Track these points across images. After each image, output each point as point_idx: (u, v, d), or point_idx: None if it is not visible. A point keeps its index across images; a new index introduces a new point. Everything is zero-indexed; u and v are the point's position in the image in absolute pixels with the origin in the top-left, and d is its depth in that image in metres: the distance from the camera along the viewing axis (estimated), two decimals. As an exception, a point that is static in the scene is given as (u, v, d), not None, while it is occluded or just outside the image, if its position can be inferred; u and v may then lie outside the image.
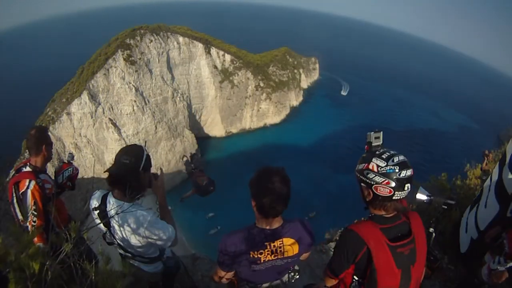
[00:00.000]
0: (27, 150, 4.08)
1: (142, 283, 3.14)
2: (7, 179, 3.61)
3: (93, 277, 1.75)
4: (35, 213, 3.41)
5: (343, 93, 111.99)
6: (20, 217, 3.48)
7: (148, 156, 2.82)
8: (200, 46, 72.22)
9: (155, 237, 2.72)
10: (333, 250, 6.13)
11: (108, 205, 2.77)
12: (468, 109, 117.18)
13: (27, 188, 3.45)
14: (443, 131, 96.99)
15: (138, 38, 61.51)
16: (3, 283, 1.63)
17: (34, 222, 3.40)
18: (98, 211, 2.78)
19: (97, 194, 2.87)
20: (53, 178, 4.12)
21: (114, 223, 2.73)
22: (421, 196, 2.75)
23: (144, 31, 63.45)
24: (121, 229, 2.72)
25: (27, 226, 3.44)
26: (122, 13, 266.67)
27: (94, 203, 2.82)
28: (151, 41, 63.15)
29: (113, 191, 2.81)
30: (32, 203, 3.41)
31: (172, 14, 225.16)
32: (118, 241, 2.83)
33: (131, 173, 2.66)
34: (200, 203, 51.93)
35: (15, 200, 3.50)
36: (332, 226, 7.88)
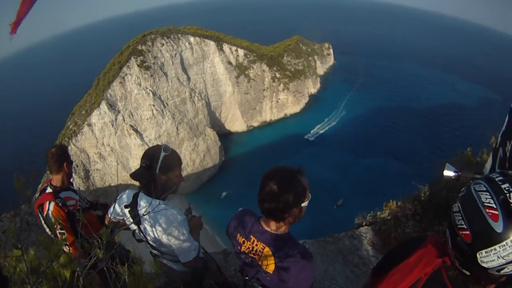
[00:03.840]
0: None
1: (176, 282, 3.30)
2: (35, 196, 3.98)
3: (126, 279, 1.76)
4: (62, 231, 3.49)
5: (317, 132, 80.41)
6: (51, 235, 3.29)
7: (167, 157, 2.74)
8: (212, 44, 71.74)
9: (182, 238, 2.73)
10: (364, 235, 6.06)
11: (139, 202, 2.79)
12: (485, 79, 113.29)
13: (48, 210, 3.56)
14: (463, 105, 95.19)
15: (150, 43, 61.55)
16: (3, 283, 1.65)
17: (65, 240, 3.47)
18: (129, 209, 2.80)
19: (127, 192, 2.94)
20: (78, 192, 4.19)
21: (146, 223, 2.75)
22: (448, 173, 2.51)
23: (155, 35, 63.37)
24: (153, 229, 2.73)
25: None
26: (127, 22, 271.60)
27: (124, 201, 2.88)
28: (163, 44, 63.08)
29: (143, 190, 2.83)
30: (57, 223, 3.47)
31: (176, 17, 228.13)
32: (150, 240, 2.84)
33: (148, 175, 2.71)
34: (230, 204, 51.76)
35: (42, 222, 3.57)
36: (361, 210, 7.46)
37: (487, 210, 1.21)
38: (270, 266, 2.27)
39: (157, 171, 2.70)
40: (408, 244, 1.81)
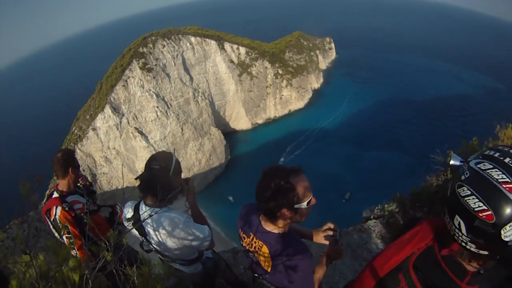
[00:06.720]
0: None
1: (186, 283, 3.29)
2: (43, 202, 3.95)
3: (135, 280, 1.78)
4: (69, 235, 3.52)
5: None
6: (60, 240, 3.50)
7: (177, 161, 2.87)
8: (213, 43, 71.64)
9: (191, 238, 2.73)
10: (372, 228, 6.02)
11: (140, 212, 2.78)
12: (489, 69, 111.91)
13: (55, 215, 3.58)
14: (468, 95, 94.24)
15: (151, 45, 61.53)
16: (3, 283, 1.66)
17: (73, 244, 3.51)
18: (132, 222, 2.79)
19: (129, 204, 2.94)
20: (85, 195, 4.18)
21: (149, 228, 2.74)
22: (455, 163, 2.15)
23: (155, 37, 63.40)
24: (156, 233, 2.72)
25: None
26: (127, 25, 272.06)
27: (128, 213, 2.87)
28: (164, 46, 63.07)
29: (145, 199, 2.82)
30: (64, 228, 3.51)
31: (176, 18, 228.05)
32: (155, 246, 2.83)
33: (162, 177, 2.68)
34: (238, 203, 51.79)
35: (51, 227, 3.62)
36: (368, 204, 7.49)
37: (504, 186, 1.24)
38: (267, 264, 2.26)
39: (171, 173, 2.76)
40: (405, 226, 1.91)
